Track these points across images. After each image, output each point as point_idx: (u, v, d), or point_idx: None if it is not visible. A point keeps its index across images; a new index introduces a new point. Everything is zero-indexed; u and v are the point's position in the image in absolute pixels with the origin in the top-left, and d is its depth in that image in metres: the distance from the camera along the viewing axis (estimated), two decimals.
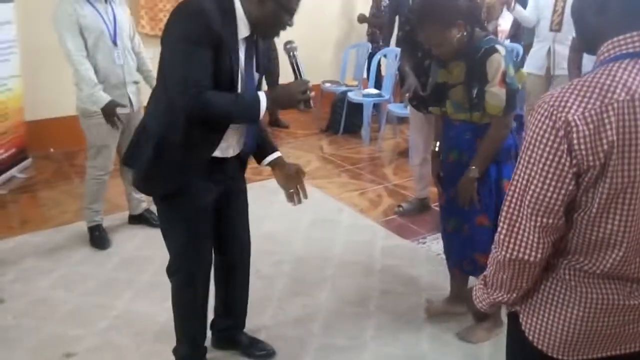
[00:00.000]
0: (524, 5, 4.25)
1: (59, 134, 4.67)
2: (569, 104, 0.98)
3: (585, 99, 0.98)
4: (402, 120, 5.41)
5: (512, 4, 4.08)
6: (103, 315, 2.55)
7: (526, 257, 1.06)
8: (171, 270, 1.99)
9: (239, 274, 2.16)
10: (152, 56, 3.21)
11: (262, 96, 1.70)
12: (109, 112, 2.90)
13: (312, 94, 1.75)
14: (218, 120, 1.74)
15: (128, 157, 1.91)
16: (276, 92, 1.75)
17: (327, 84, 5.65)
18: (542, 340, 1.14)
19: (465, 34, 2.00)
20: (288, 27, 1.75)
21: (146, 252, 3.14)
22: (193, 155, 1.77)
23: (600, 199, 1.01)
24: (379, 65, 5.40)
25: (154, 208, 3.46)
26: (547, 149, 1.00)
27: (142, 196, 3.43)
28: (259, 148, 2.03)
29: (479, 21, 2.08)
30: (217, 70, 1.66)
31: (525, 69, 4.26)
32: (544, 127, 1.00)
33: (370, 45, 5.62)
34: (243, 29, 1.70)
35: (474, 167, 2.08)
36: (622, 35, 1.01)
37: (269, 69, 1.90)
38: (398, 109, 4.86)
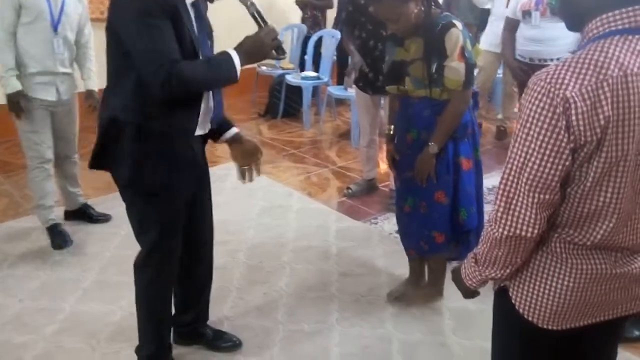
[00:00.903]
0: None
1: None
2: (565, 81, 0.99)
3: (582, 76, 0.99)
4: (341, 102, 5.44)
5: None
6: (50, 319, 2.38)
7: (524, 233, 1.08)
8: (141, 265, 1.88)
9: (204, 263, 2.09)
10: (93, 55, 3.05)
11: (233, 53, 1.62)
12: (12, 100, 2.72)
13: (281, 40, 1.70)
14: (196, 91, 1.66)
15: (102, 158, 1.74)
16: (245, 45, 1.65)
17: (263, 67, 5.54)
18: (533, 311, 1.17)
19: (422, 9, 2.01)
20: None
21: (89, 249, 2.96)
22: (179, 139, 1.71)
23: (595, 173, 1.04)
24: (317, 47, 5.35)
25: (92, 202, 3.32)
26: (545, 125, 1.00)
27: (79, 190, 3.23)
28: (217, 124, 1.92)
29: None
30: (178, 40, 1.58)
31: (481, 46, 4.40)
32: (541, 104, 1.01)
33: (305, 28, 5.56)
34: None
35: (432, 143, 2.10)
36: (611, 12, 1.02)
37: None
38: (337, 91, 4.86)
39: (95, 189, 3.55)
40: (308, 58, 5.37)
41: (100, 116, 1.75)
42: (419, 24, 2.03)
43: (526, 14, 3.57)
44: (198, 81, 1.61)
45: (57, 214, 3.10)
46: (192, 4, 1.66)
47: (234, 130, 1.97)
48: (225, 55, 1.63)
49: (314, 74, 5.15)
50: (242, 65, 1.63)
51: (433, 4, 2.07)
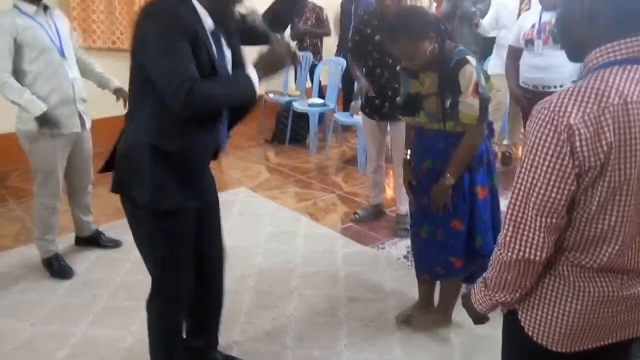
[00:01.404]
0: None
1: None
2: (568, 109, 1.03)
3: (584, 104, 1.03)
4: (347, 128, 5.51)
5: (478, 21, 4.33)
6: (61, 344, 2.40)
7: (532, 256, 1.10)
8: (154, 289, 1.89)
9: (215, 288, 2.11)
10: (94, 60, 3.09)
11: (251, 69, 1.67)
12: (44, 120, 2.68)
13: (294, 49, 1.76)
14: (217, 108, 1.70)
15: (124, 181, 1.76)
16: (260, 60, 1.71)
17: (271, 95, 5.63)
18: (542, 334, 1.19)
19: (436, 45, 2.05)
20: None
21: (98, 275, 2.99)
22: (193, 159, 1.76)
23: (599, 197, 1.07)
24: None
25: (102, 228, 3.37)
26: (550, 152, 1.04)
27: (91, 217, 3.27)
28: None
29: (448, 32, 2.14)
30: (197, 61, 1.62)
31: (491, 72, 4.49)
32: (546, 131, 1.05)
33: (311, 56, 5.67)
34: (208, 21, 1.68)
35: (449, 175, 2.13)
36: (610, 44, 1.06)
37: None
38: (343, 117, 4.93)
39: (106, 215, 3.61)
40: (314, 85, 5.46)
41: (119, 142, 1.78)
42: (434, 59, 2.07)
43: (529, 42, 3.65)
44: (218, 97, 1.65)
45: (64, 244, 3.15)
46: (212, 33, 1.70)
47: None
48: (243, 74, 1.68)
49: (320, 100, 5.23)
50: (260, 79, 1.68)
51: (447, 38, 2.11)
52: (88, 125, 2.95)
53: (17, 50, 2.64)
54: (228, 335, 2.41)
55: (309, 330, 2.50)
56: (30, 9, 2.70)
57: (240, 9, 1.75)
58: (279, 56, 1.71)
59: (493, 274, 1.20)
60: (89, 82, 3.05)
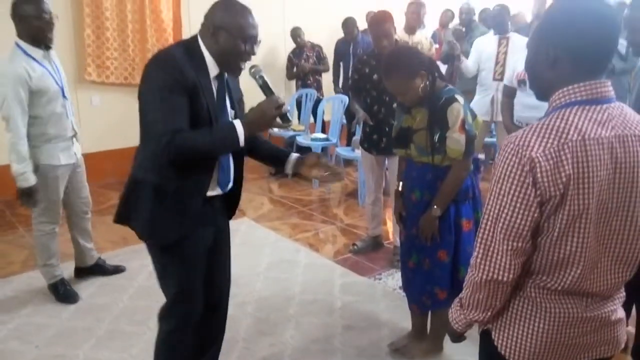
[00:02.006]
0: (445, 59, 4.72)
1: None
2: (531, 144, 1.13)
3: (545, 139, 1.13)
4: (349, 162, 5.65)
5: (461, 57, 4.51)
6: None
7: (500, 277, 1.19)
8: (165, 314, 1.97)
9: (220, 312, 2.18)
10: (98, 103, 3.22)
11: (237, 123, 1.74)
12: (30, 193, 2.78)
13: (287, 107, 1.79)
14: (200, 156, 1.77)
15: (124, 213, 1.89)
16: (249, 115, 1.78)
17: (275, 130, 5.79)
18: (513, 353, 1.28)
19: (427, 83, 2.19)
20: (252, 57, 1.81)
21: (102, 300, 3.08)
22: (191, 197, 1.82)
23: (560, 224, 1.15)
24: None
25: (108, 255, 3.47)
26: (515, 182, 1.14)
27: (93, 245, 3.35)
28: (273, 158, 2.07)
29: (439, 72, 2.29)
30: (196, 112, 1.72)
31: None
32: (512, 163, 1.14)
33: (315, 92, 5.87)
34: (212, 68, 1.79)
35: (436, 207, 2.24)
36: (571, 86, 1.17)
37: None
38: (345, 151, 5.08)
39: (112, 242, 3.73)
40: (318, 121, 5.63)
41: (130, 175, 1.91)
42: (425, 95, 2.21)
43: (521, 82, 3.79)
44: (199, 147, 1.72)
45: (69, 270, 3.25)
46: (216, 77, 1.81)
47: (293, 156, 2.02)
48: (229, 124, 1.76)
49: (323, 135, 5.39)
50: (247, 134, 1.74)
51: (437, 77, 2.26)
52: (79, 155, 3.08)
53: (29, 97, 2.73)
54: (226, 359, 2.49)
55: (304, 357, 2.57)
56: (37, 53, 2.76)
57: (245, 63, 1.83)
58: (266, 114, 1.75)
59: (467, 293, 1.28)
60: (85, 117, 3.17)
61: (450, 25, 5.99)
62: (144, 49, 5.35)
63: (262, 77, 1.83)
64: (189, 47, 1.77)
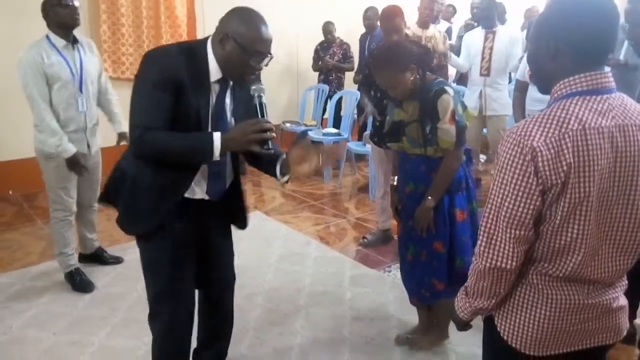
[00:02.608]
0: (458, 54, 4.72)
1: (18, 176, 4.64)
2: (532, 133, 1.16)
3: (546, 129, 1.16)
4: (361, 157, 5.68)
5: (448, 55, 4.52)
6: (80, 352, 2.56)
7: (503, 265, 1.22)
8: (150, 317, 1.99)
9: (223, 309, 2.22)
10: (116, 98, 3.32)
11: (216, 135, 1.70)
12: (74, 162, 2.95)
13: (272, 134, 1.71)
14: (169, 158, 1.75)
15: (107, 194, 1.95)
16: (230, 131, 1.74)
17: (287, 124, 5.85)
18: (516, 339, 1.31)
19: (417, 76, 2.22)
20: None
21: (117, 290, 3.16)
22: (163, 197, 1.82)
23: (562, 212, 1.18)
24: (338, 105, 5.67)
25: (121, 247, 3.55)
26: (517, 171, 1.17)
27: (96, 235, 3.45)
28: (269, 166, 1.93)
29: (429, 65, 2.31)
30: (182, 111, 1.71)
31: None
32: (514, 153, 1.17)
33: (327, 88, 5.90)
34: (215, 72, 1.76)
35: (430, 198, 2.27)
36: (572, 77, 1.20)
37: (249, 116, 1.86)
38: (357, 146, 5.11)
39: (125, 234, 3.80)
40: (329, 116, 5.67)
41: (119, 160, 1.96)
42: (416, 89, 2.24)
43: (531, 77, 3.80)
44: (168, 150, 1.71)
45: (85, 261, 3.36)
46: (218, 82, 1.78)
47: (280, 159, 1.90)
48: (207, 135, 1.71)
49: (334, 130, 5.43)
50: (223, 149, 1.70)
51: (428, 70, 2.28)
52: (94, 149, 3.16)
53: (45, 80, 2.88)
54: (236, 349, 2.54)
55: (313, 346, 2.62)
56: (60, 42, 2.91)
57: (249, 75, 1.80)
58: (245, 135, 1.69)
59: (471, 282, 1.32)
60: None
61: (463, 21, 5.97)
62: (159, 44, 5.43)
63: (260, 98, 1.79)
64: (193, 47, 1.76)
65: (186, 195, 1.87)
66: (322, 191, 5.09)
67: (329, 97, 5.83)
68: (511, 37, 4.44)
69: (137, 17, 5.30)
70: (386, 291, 3.14)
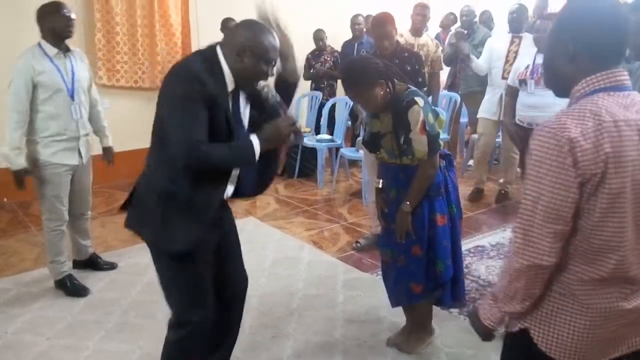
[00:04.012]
0: (447, 62, 4.78)
1: (13, 184, 4.64)
2: (567, 125, 1.16)
3: (581, 121, 1.17)
4: (354, 163, 5.72)
5: (471, 57, 4.57)
6: (74, 356, 2.58)
7: (542, 262, 1.20)
8: (175, 324, 1.98)
9: (235, 312, 2.23)
10: (108, 106, 3.36)
11: (255, 139, 1.82)
12: (19, 177, 2.94)
13: (299, 125, 1.88)
14: (216, 169, 1.86)
15: (133, 219, 1.93)
16: (265, 132, 1.85)
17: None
18: (557, 350, 1.27)
19: (388, 90, 2.25)
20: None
21: (111, 295, 3.18)
22: (203, 209, 1.85)
23: (601, 205, 1.18)
24: (332, 112, 5.72)
25: (117, 253, 3.57)
26: (554, 163, 1.16)
27: (89, 242, 3.46)
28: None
29: (397, 77, 2.32)
30: (214, 125, 1.78)
31: (480, 115, 4.74)
32: (549, 145, 1.17)
33: (320, 95, 5.95)
34: (230, 83, 1.84)
35: (407, 203, 2.31)
36: (593, 75, 1.22)
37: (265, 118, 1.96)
38: (350, 152, 5.16)
39: (121, 241, 3.83)
40: (323, 122, 5.71)
41: (138, 181, 1.95)
42: (387, 101, 2.27)
43: (522, 82, 3.86)
44: (219, 161, 1.81)
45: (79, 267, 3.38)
46: (231, 92, 1.86)
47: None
48: (248, 141, 1.82)
49: (328, 136, 5.47)
50: (262, 150, 1.82)
51: (397, 81, 2.30)
52: (85, 159, 3.17)
53: (33, 90, 2.89)
54: None
55: (306, 348, 2.65)
56: (52, 50, 2.94)
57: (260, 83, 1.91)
58: (281, 132, 1.84)
59: (503, 284, 1.29)
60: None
61: (452, 28, 6.05)
62: (154, 52, 5.48)
63: (274, 97, 1.92)
64: (208, 59, 1.81)
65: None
66: (316, 197, 5.13)
67: (322, 104, 5.88)
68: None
69: (132, 25, 5.35)
70: (378, 294, 3.16)
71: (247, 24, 1.85)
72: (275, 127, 1.85)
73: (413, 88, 2.32)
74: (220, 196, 1.92)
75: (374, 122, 2.39)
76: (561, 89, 1.30)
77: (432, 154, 2.27)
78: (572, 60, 1.24)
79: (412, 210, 2.31)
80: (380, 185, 2.51)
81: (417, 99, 2.24)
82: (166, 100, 1.79)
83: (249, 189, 2.06)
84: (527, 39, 4.50)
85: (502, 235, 3.98)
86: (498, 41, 4.68)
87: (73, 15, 2.97)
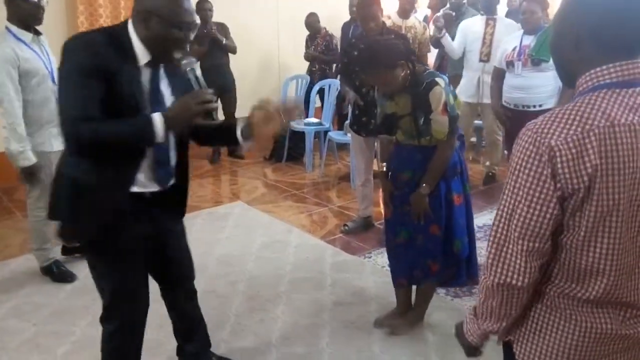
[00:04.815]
0: (435, 44, 4.75)
1: None
2: (551, 131, 1.02)
3: (567, 126, 1.01)
4: (342, 146, 5.70)
5: (443, 31, 4.52)
6: (61, 342, 2.57)
7: (514, 281, 1.07)
8: (105, 316, 1.91)
9: (186, 300, 2.18)
10: None
11: (156, 116, 1.61)
12: (31, 172, 2.85)
13: (214, 105, 1.66)
14: (116, 149, 1.66)
15: (50, 209, 1.82)
16: (171, 108, 1.67)
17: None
18: None
19: (408, 71, 2.25)
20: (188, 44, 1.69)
21: None
22: (111, 194, 1.72)
23: (587, 222, 1.03)
24: (321, 96, 5.68)
25: None
26: (532, 173, 1.03)
27: None
28: (224, 136, 1.90)
29: (417, 58, 2.34)
30: (117, 101, 1.62)
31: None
32: (528, 152, 1.03)
33: (308, 78, 5.91)
34: (143, 56, 1.67)
35: (425, 185, 2.32)
36: (599, 68, 1.05)
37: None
38: (338, 136, 5.14)
39: None
40: (310, 106, 5.68)
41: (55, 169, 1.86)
42: (407, 83, 2.27)
43: (510, 64, 3.85)
44: (108, 138, 1.61)
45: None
46: (148, 64, 1.70)
47: (240, 124, 1.82)
48: (146, 117, 1.63)
49: (316, 120, 5.44)
50: (168, 128, 1.62)
51: (417, 63, 2.31)
52: None
53: (19, 79, 2.78)
54: (217, 335, 2.56)
55: (293, 331, 2.66)
56: (27, 36, 2.82)
57: (180, 51, 1.70)
58: (188, 108, 1.62)
59: (480, 300, 1.18)
60: None
61: (441, 10, 6.00)
62: None
63: (193, 70, 1.72)
64: (114, 33, 1.67)
65: (135, 189, 1.77)
66: (304, 180, 5.12)
67: (311, 86, 5.83)
68: (510, 24, 4.50)
69: (115, 7, 5.26)
70: (366, 276, 3.19)
71: None
72: (182, 103, 1.64)
73: (430, 69, 2.32)
74: (130, 180, 1.74)
75: (388, 104, 2.38)
76: (568, 78, 1.15)
77: (452, 134, 2.29)
78: (576, 47, 1.07)
79: (429, 192, 2.32)
80: (384, 169, 2.51)
81: (438, 79, 2.24)
82: (61, 73, 1.64)
83: (162, 180, 1.83)
84: (502, 20, 4.53)
85: (489, 217, 4.00)
86: (473, 24, 4.67)
87: (44, 2, 2.84)
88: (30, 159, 2.83)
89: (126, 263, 1.84)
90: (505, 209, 1.08)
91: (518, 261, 1.06)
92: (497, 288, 1.10)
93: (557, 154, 1.00)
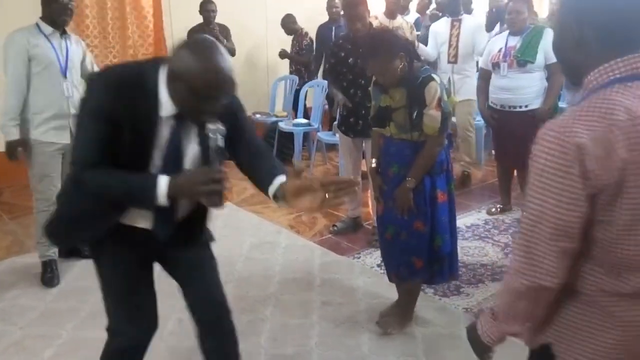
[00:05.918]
0: (425, 44, 4.81)
1: None
2: (574, 129, 1.00)
3: (589, 124, 1.00)
4: (331, 147, 5.71)
5: (416, 44, 4.58)
6: (48, 344, 2.55)
7: (545, 282, 1.06)
8: (108, 332, 1.86)
9: (224, 336, 1.94)
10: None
11: (163, 180, 1.49)
12: (11, 149, 2.98)
13: (222, 187, 1.48)
14: (104, 198, 1.59)
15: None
16: (181, 177, 1.52)
17: (258, 115, 5.85)
18: None
19: (406, 64, 2.31)
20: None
21: (85, 283, 3.11)
22: (90, 222, 1.66)
23: (622, 216, 1.02)
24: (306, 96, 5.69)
25: None
26: (559, 173, 1.01)
27: None
28: (258, 181, 1.74)
29: (415, 53, 2.41)
30: (123, 146, 1.51)
31: None
32: (553, 152, 1.02)
33: (297, 78, 5.91)
34: (167, 106, 1.53)
35: (410, 179, 2.36)
36: (607, 63, 1.05)
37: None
38: (327, 136, 5.15)
39: None
40: (299, 106, 5.69)
41: None
42: (403, 76, 2.32)
43: (495, 65, 3.89)
44: (108, 192, 1.57)
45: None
46: (174, 117, 1.55)
47: (278, 179, 1.63)
48: (152, 178, 1.51)
49: (305, 120, 5.45)
50: (171, 195, 1.50)
51: (415, 58, 2.38)
52: None
53: (25, 62, 2.96)
54: None
55: (282, 331, 2.66)
56: (48, 29, 3.01)
57: (207, 118, 1.55)
58: (194, 185, 1.48)
59: (503, 303, 1.16)
60: None
61: (428, 11, 6.05)
62: (124, 35, 5.36)
63: (215, 140, 1.55)
64: (144, 73, 1.54)
65: (127, 222, 1.66)
66: None
67: (299, 88, 5.84)
68: (476, 24, 4.59)
69: (102, 8, 5.22)
70: (355, 276, 3.20)
71: (191, 43, 1.48)
72: (192, 176, 1.52)
73: (426, 65, 2.38)
74: (111, 220, 1.64)
75: (382, 97, 2.43)
76: (572, 77, 1.14)
77: (443, 131, 2.33)
78: (579, 45, 1.08)
79: (414, 186, 2.35)
80: (374, 165, 2.53)
81: (433, 75, 2.31)
82: (79, 108, 1.59)
83: (162, 233, 1.69)
84: (468, 21, 4.60)
85: (477, 217, 4.03)
86: (439, 26, 4.74)
87: (71, 4, 3.03)
88: (10, 134, 2.95)
89: (122, 286, 1.77)
90: (533, 211, 1.06)
91: (549, 262, 1.05)
92: (528, 290, 1.08)
93: (586, 151, 0.99)
